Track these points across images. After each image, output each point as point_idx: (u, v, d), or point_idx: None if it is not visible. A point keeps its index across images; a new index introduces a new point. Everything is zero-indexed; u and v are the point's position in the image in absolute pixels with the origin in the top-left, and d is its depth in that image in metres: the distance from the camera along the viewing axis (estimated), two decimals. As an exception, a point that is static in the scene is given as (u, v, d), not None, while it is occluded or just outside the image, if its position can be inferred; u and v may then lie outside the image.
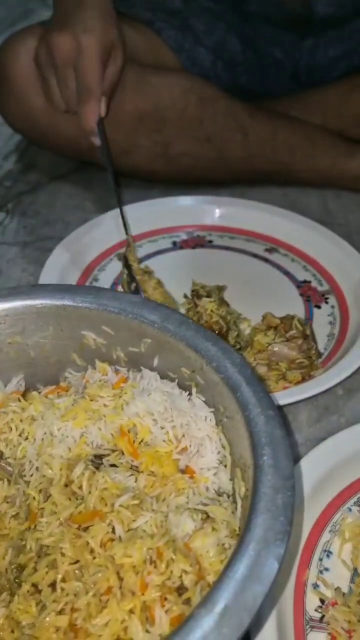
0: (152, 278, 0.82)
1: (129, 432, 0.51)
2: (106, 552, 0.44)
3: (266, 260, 0.91)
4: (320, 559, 0.53)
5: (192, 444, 0.51)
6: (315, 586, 0.51)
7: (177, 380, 0.54)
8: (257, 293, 0.85)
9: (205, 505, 0.47)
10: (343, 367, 0.69)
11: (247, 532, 0.38)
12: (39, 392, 0.58)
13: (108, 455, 0.51)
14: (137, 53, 0.98)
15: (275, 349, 0.70)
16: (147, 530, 0.45)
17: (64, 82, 0.88)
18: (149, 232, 0.95)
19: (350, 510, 0.56)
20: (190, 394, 0.53)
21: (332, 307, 0.82)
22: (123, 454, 0.51)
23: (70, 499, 0.48)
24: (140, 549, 0.43)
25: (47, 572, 0.44)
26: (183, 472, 0.50)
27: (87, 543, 0.44)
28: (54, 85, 0.90)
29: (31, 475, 0.51)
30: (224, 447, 0.50)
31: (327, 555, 0.54)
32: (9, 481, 0.51)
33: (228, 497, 0.49)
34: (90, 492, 0.47)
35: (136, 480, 0.49)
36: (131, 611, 0.41)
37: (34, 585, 0.44)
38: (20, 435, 0.53)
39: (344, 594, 0.51)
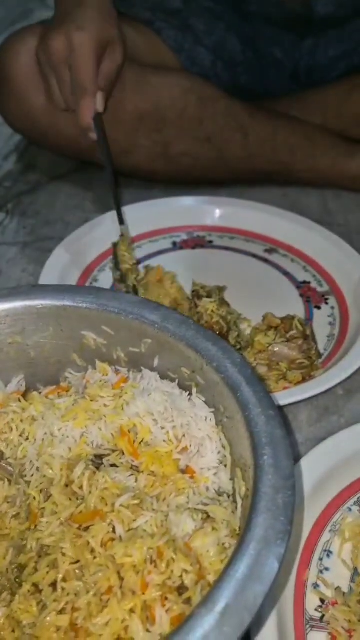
0: (153, 272, 0.82)
1: (129, 432, 0.51)
2: (107, 552, 0.44)
3: (266, 260, 0.91)
4: (321, 559, 0.53)
5: (192, 444, 0.51)
6: (316, 586, 0.51)
7: (177, 381, 0.54)
8: (257, 294, 0.85)
9: (206, 505, 0.47)
10: (343, 367, 0.69)
11: (247, 531, 0.39)
12: (40, 393, 0.58)
13: (108, 455, 0.51)
14: (137, 53, 0.98)
15: (276, 349, 0.70)
16: (147, 530, 0.45)
17: (61, 81, 0.88)
18: (149, 232, 0.95)
19: (350, 510, 0.56)
20: (190, 394, 0.53)
21: (332, 308, 0.82)
22: (123, 454, 0.51)
23: (70, 499, 0.48)
24: (140, 549, 0.43)
25: (47, 572, 0.44)
26: (183, 472, 0.51)
27: (88, 543, 0.44)
28: (54, 84, 0.90)
29: (32, 475, 0.51)
30: (224, 447, 0.50)
31: (328, 555, 0.54)
32: (9, 481, 0.51)
33: (228, 497, 0.49)
34: (90, 492, 0.47)
35: (136, 480, 0.49)
36: (132, 611, 0.41)
37: (35, 585, 0.44)
38: (20, 435, 0.53)
39: (344, 593, 0.51)
